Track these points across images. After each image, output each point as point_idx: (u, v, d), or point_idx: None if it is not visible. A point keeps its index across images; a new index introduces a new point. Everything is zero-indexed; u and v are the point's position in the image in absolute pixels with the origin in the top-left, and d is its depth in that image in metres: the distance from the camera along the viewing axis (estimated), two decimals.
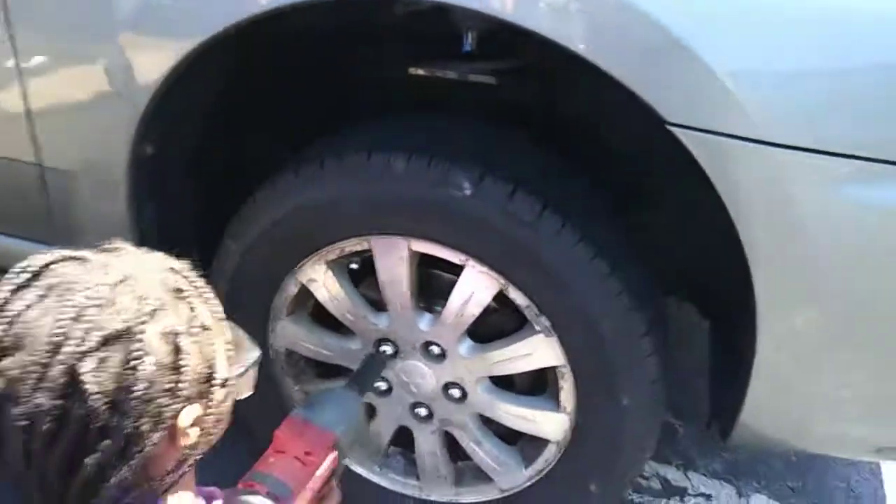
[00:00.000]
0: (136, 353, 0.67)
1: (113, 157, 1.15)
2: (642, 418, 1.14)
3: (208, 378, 0.73)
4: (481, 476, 1.32)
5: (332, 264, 1.19)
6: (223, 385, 0.75)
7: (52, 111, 1.18)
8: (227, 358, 0.76)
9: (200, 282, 0.77)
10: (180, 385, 0.70)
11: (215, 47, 1.03)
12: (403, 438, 1.35)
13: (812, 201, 0.87)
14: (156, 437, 0.69)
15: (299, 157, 1.16)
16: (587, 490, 1.22)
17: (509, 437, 1.29)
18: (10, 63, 1.14)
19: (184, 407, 0.71)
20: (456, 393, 1.23)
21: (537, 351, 1.14)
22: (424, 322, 1.19)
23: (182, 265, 0.76)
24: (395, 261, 1.14)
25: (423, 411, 1.28)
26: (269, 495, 0.89)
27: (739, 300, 1.00)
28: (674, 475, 1.72)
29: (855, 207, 0.86)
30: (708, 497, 1.67)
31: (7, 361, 0.65)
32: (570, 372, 1.14)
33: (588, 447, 1.19)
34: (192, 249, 1.28)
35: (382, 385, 1.28)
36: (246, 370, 0.81)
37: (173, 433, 0.72)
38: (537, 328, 1.12)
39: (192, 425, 0.72)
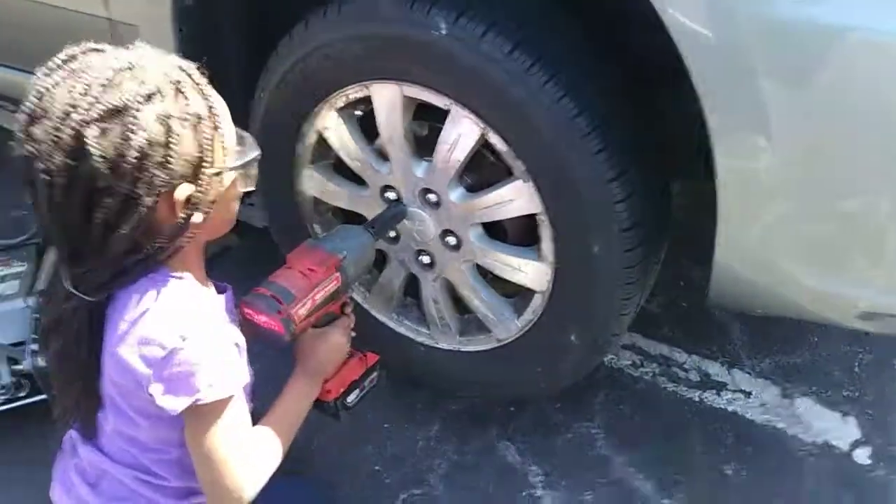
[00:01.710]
0: (131, 127, 0.81)
1: (161, 10, 1.31)
2: (613, 268, 1.14)
3: (199, 162, 0.87)
4: (482, 328, 1.39)
5: (341, 112, 1.29)
6: (217, 173, 0.89)
7: None
8: (222, 149, 0.90)
9: (203, 81, 0.90)
10: (170, 161, 0.84)
11: None
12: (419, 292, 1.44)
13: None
14: (149, 201, 0.84)
15: (312, 11, 1.25)
16: (568, 341, 1.25)
17: (507, 296, 1.35)
18: None
19: (179, 183, 0.86)
20: (452, 240, 1.30)
21: (517, 197, 1.18)
22: (421, 169, 1.26)
23: (190, 65, 0.90)
24: (390, 107, 1.22)
25: (425, 259, 1.36)
26: (272, 297, 1.02)
27: None
28: (716, 370, 1.68)
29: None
30: (748, 394, 1.62)
31: (35, 127, 0.82)
32: (548, 220, 1.16)
33: (566, 297, 1.22)
34: (239, 103, 1.44)
35: (392, 232, 1.37)
36: (242, 165, 0.94)
37: (171, 204, 0.87)
38: (516, 174, 1.15)
39: (187, 201, 0.87)
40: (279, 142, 1.38)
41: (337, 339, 1.16)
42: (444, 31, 1.08)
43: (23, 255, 1.82)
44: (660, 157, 1.17)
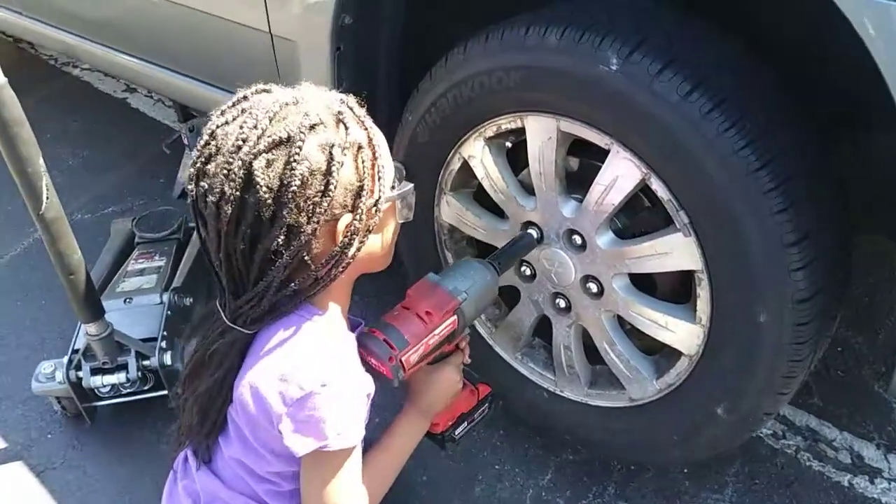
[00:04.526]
0: (295, 157, 0.82)
1: (320, 27, 1.31)
2: (781, 342, 1.02)
3: (358, 190, 0.88)
4: (614, 382, 1.29)
5: (489, 142, 1.24)
6: (375, 202, 0.89)
7: None
8: (378, 180, 0.90)
9: (363, 113, 0.91)
10: (331, 189, 0.84)
11: None
12: (549, 335, 1.36)
13: None
14: (310, 229, 0.84)
15: (471, 36, 1.20)
16: (713, 413, 1.14)
17: (648, 351, 1.25)
18: None
19: (339, 214, 0.86)
20: (593, 287, 1.21)
21: (675, 251, 1.08)
22: (568, 208, 1.18)
23: (350, 98, 0.92)
24: (544, 140, 1.15)
25: (561, 302, 1.28)
26: (385, 342, 0.99)
27: None
28: (871, 453, 1.50)
29: None
30: None
31: (210, 164, 0.85)
32: (707, 279, 1.06)
33: (718, 366, 1.10)
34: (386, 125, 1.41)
35: (527, 270, 1.30)
36: (399, 194, 0.94)
37: (330, 232, 0.88)
38: (677, 226, 1.06)
39: (346, 229, 0.88)
40: (422, 166, 1.34)
41: (449, 377, 1.13)
42: (614, 67, 1.00)
43: (164, 249, 1.88)
44: (847, 215, 1.04)
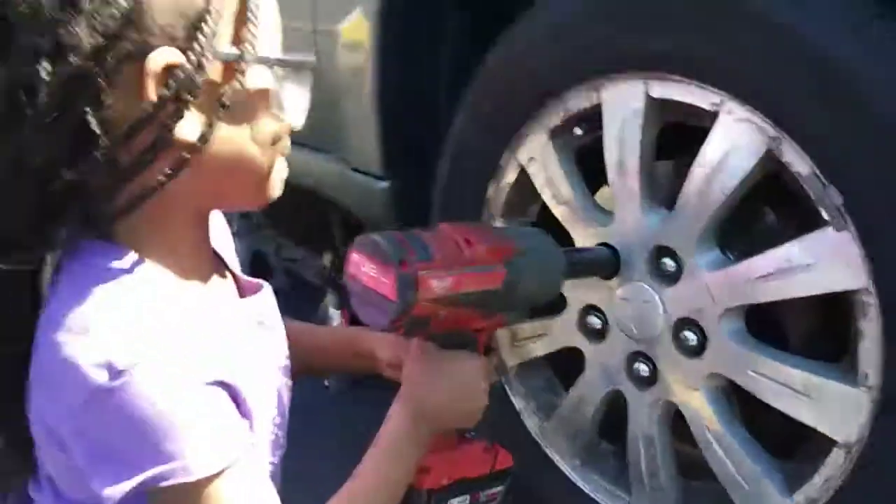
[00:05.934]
0: None
1: None
2: None
3: (199, 16, 0.54)
4: None
5: (554, 137, 0.92)
6: (239, 57, 0.55)
7: None
8: (246, 24, 0.56)
9: None
10: None
11: None
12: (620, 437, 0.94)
13: None
14: (92, 67, 0.50)
15: None
16: None
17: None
18: None
19: (154, 43, 0.53)
20: (691, 337, 0.81)
21: (821, 259, 0.68)
22: (655, 218, 0.83)
23: None
24: (627, 116, 0.83)
25: (643, 368, 0.87)
26: (400, 243, 0.65)
27: None
28: None
29: None
30: None
31: None
32: (878, 305, 0.64)
33: None
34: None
35: (596, 320, 0.91)
36: (282, 60, 0.59)
37: (136, 79, 0.53)
38: (824, 215, 0.67)
39: (164, 74, 0.53)
40: (465, 182, 1.04)
41: (471, 372, 0.71)
42: None
43: None
44: None
